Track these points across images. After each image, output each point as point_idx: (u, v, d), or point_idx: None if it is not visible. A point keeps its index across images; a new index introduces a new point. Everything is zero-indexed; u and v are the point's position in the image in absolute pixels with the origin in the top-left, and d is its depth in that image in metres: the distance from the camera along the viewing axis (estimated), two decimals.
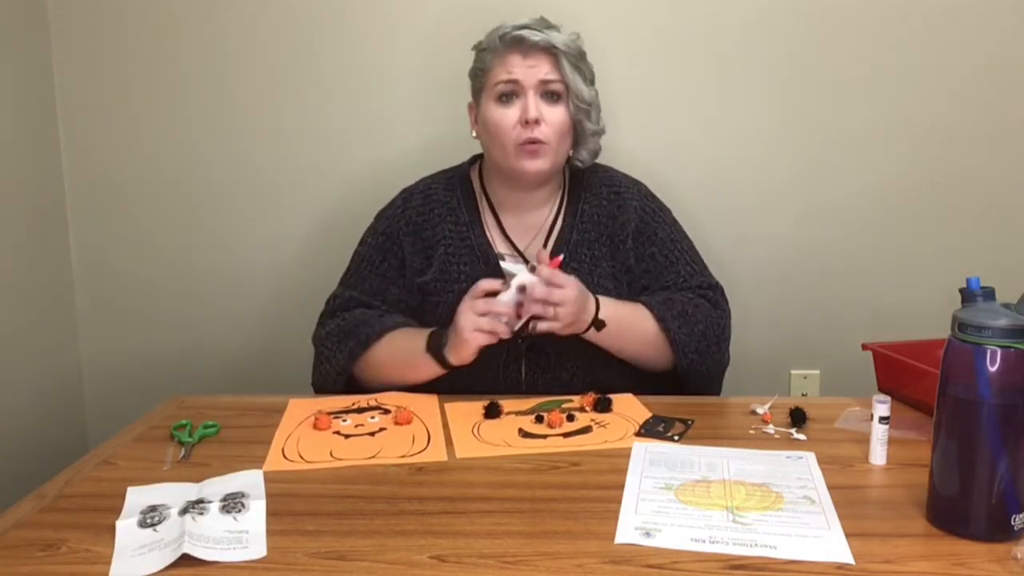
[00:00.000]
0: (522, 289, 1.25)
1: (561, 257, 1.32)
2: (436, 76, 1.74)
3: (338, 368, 1.36)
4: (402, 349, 1.34)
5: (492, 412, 1.24)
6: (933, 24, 1.69)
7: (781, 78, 1.73)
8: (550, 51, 1.36)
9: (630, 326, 1.35)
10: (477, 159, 1.50)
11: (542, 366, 1.37)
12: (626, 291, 1.43)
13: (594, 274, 1.41)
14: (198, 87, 1.77)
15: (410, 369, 1.33)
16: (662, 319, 1.35)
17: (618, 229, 1.43)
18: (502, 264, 1.34)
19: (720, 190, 1.76)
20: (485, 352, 1.36)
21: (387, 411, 1.27)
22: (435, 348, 1.30)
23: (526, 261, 1.40)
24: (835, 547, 0.88)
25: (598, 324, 1.31)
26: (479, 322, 1.24)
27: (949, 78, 1.71)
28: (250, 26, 1.75)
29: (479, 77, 1.41)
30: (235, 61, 1.76)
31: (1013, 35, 1.69)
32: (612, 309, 1.33)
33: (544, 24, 1.38)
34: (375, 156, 1.77)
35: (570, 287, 1.26)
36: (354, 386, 1.38)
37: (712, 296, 1.44)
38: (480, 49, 1.42)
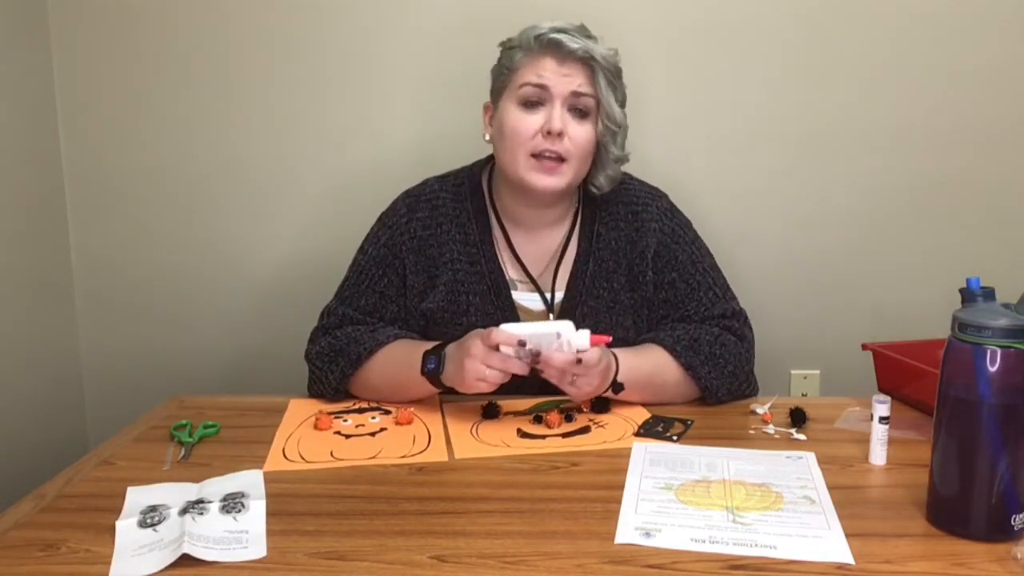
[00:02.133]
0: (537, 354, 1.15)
1: (610, 338, 1.17)
2: (435, 73, 1.73)
3: (331, 388, 1.30)
4: (395, 367, 1.27)
5: (490, 412, 1.24)
6: (934, 24, 1.69)
7: (781, 78, 1.73)
8: (588, 62, 1.26)
9: (651, 379, 1.26)
10: (489, 162, 1.40)
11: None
12: (645, 326, 1.37)
13: (612, 312, 1.35)
14: (198, 87, 1.77)
15: (403, 389, 1.27)
16: (690, 367, 1.27)
17: (638, 257, 1.35)
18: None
19: (720, 190, 1.76)
20: None
21: (388, 411, 1.27)
22: (430, 373, 1.22)
23: (540, 291, 1.35)
24: (835, 547, 0.88)
25: (616, 387, 1.23)
26: (485, 373, 1.15)
27: (950, 78, 1.71)
28: (250, 26, 1.74)
29: (503, 75, 1.31)
30: (235, 61, 1.76)
31: (1013, 35, 1.69)
32: (632, 364, 1.24)
33: (584, 32, 1.29)
34: (376, 155, 1.77)
35: (597, 368, 1.16)
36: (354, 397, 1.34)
37: (736, 327, 1.36)
38: (510, 46, 1.32)
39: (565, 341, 1.14)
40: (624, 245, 1.36)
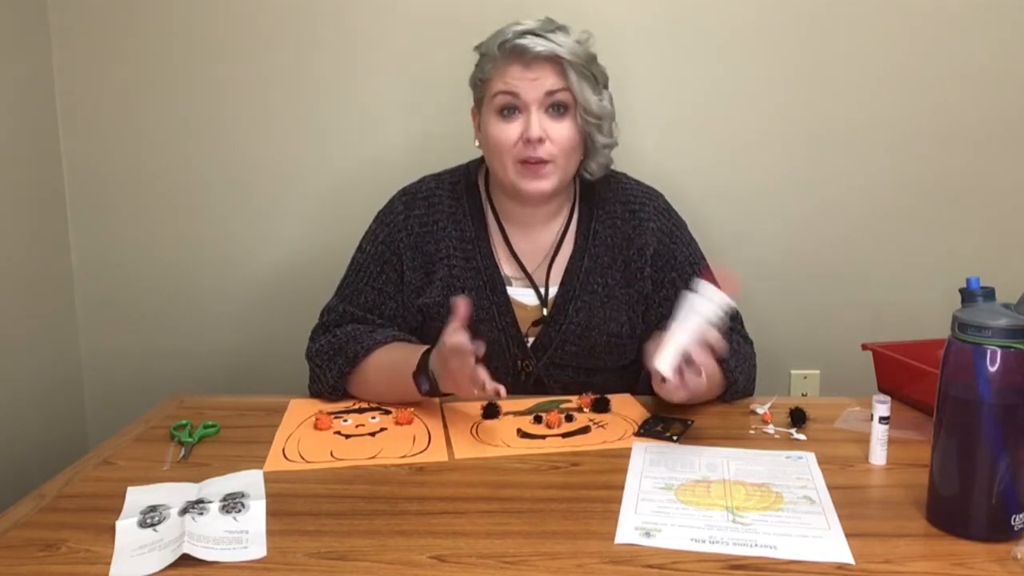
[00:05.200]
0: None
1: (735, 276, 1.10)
2: (430, 73, 1.73)
3: (328, 386, 1.30)
4: (391, 368, 1.26)
5: (490, 412, 1.24)
6: (934, 24, 1.69)
7: (782, 77, 1.73)
8: (555, 60, 1.25)
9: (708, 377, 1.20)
10: (484, 161, 1.40)
11: (546, 367, 1.37)
12: (640, 322, 1.37)
13: (607, 306, 1.35)
14: (197, 88, 1.78)
15: (399, 393, 1.25)
16: (723, 360, 1.20)
17: (635, 254, 1.36)
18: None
19: (720, 190, 1.76)
20: (489, 354, 1.35)
21: (387, 411, 1.27)
22: (427, 394, 1.22)
23: (535, 286, 1.36)
24: (835, 547, 0.88)
25: None
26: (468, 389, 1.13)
27: (950, 77, 1.71)
28: (248, 27, 1.75)
29: (479, 87, 1.33)
30: (234, 62, 1.76)
31: (1012, 34, 1.69)
32: None
33: (548, 27, 1.28)
34: (374, 155, 1.77)
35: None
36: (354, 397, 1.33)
37: (739, 328, 1.37)
38: (480, 53, 1.33)
39: (709, 312, 1.07)
40: (620, 242, 1.37)
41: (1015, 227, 1.77)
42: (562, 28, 1.29)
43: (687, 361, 1.09)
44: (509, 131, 1.28)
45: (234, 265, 1.85)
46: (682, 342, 1.08)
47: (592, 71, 1.30)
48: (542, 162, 1.28)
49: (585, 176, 1.37)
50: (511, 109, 1.28)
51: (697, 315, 1.08)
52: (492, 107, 1.29)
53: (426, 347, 1.24)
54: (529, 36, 1.26)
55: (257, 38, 1.75)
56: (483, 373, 1.11)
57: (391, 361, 1.27)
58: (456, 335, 1.12)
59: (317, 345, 1.35)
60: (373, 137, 1.78)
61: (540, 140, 1.26)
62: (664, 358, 1.08)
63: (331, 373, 1.30)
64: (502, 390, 1.11)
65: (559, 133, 1.28)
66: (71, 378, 1.88)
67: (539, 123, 1.26)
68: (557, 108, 1.28)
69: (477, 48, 1.34)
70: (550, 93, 1.27)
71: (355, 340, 1.31)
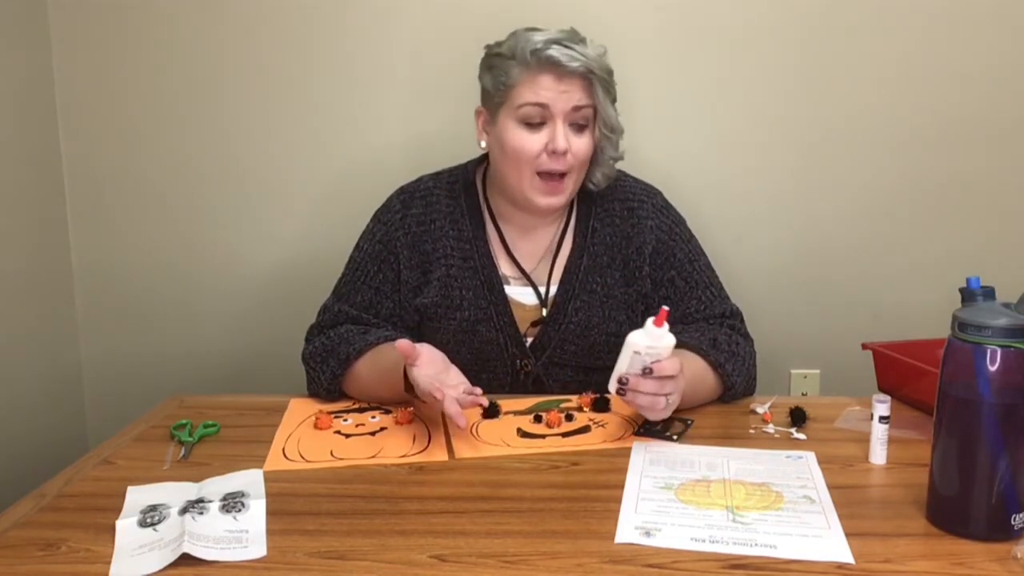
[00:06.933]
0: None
1: (667, 309, 1.10)
2: (429, 74, 1.73)
3: (323, 389, 1.29)
4: (383, 370, 1.25)
5: (490, 412, 1.24)
6: (935, 24, 1.69)
7: (782, 77, 1.72)
8: (585, 76, 1.26)
9: (700, 380, 1.23)
10: (483, 161, 1.41)
11: (545, 366, 1.37)
12: (640, 321, 1.33)
13: (606, 306, 1.35)
14: (197, 88, 1.77)
15: (395, 391, 1.24)
16: (718, 364, 1.25)
17: (634, 253, 1.36)
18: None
19: (721, 190, 1.76)
20: (488, 353, 1.35)
21: (388, 411, 1.27)
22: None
23: (533, 285, 1.37)
24: (835, 547, 0.88)
25: None
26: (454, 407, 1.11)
27: (950, 78, 1.71)
28: (249, 28, 1.74)
29: (500, 90, 1.28)
30: (234, 62, 1.76)
31: (1013, 34, 1.69)
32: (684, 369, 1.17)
33: (575, 39, 1.27)
34: (373, 155, 1.77)
35: (680, 376, 1.13)
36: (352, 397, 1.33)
37: (739, 327, 1.37)
38: (503, 56, 1.29)
39: (645, 353, 1.10)
40: (619, 241, 1.37)
41: (1015, 227, 1.77)
42: (583, 40, 1.29)
43: (622, 381, 1.11)
44: (533, 141, 1.27)
45: (234, 265, 1.85)
46: (621, 368, 1.12)
47: (610, 85, 1.30)
48: (562, 176, 1.28)
49: (590, 187, 1.36)
50: (536, 119, 1.27)
51: (632, 347, 1.11)
52: (516, 115, 1.27)
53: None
54: (558, 47, 1.25)
55: (257, 39, 1.75)
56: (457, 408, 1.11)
57: (384, 363, 1.26)
58: (455, 409, 1.10)
59: (311, 347, 1.35)
60: (373, 137, 1.78)
61: (564, 152, 1.26)
62: (612, 380, 1.13)
63: (324, 376, 1.30)
64: (482, 400, 1.16)
65: (579, 146, 1.28)
66: (71, 378, 1.88)
67: (564, 135, 1.26)
68: (578, 124, 1.28)
69: (494, 49, 1.32)
70: (577, 108, 1.27)
71: (347, 342, 1.30)
